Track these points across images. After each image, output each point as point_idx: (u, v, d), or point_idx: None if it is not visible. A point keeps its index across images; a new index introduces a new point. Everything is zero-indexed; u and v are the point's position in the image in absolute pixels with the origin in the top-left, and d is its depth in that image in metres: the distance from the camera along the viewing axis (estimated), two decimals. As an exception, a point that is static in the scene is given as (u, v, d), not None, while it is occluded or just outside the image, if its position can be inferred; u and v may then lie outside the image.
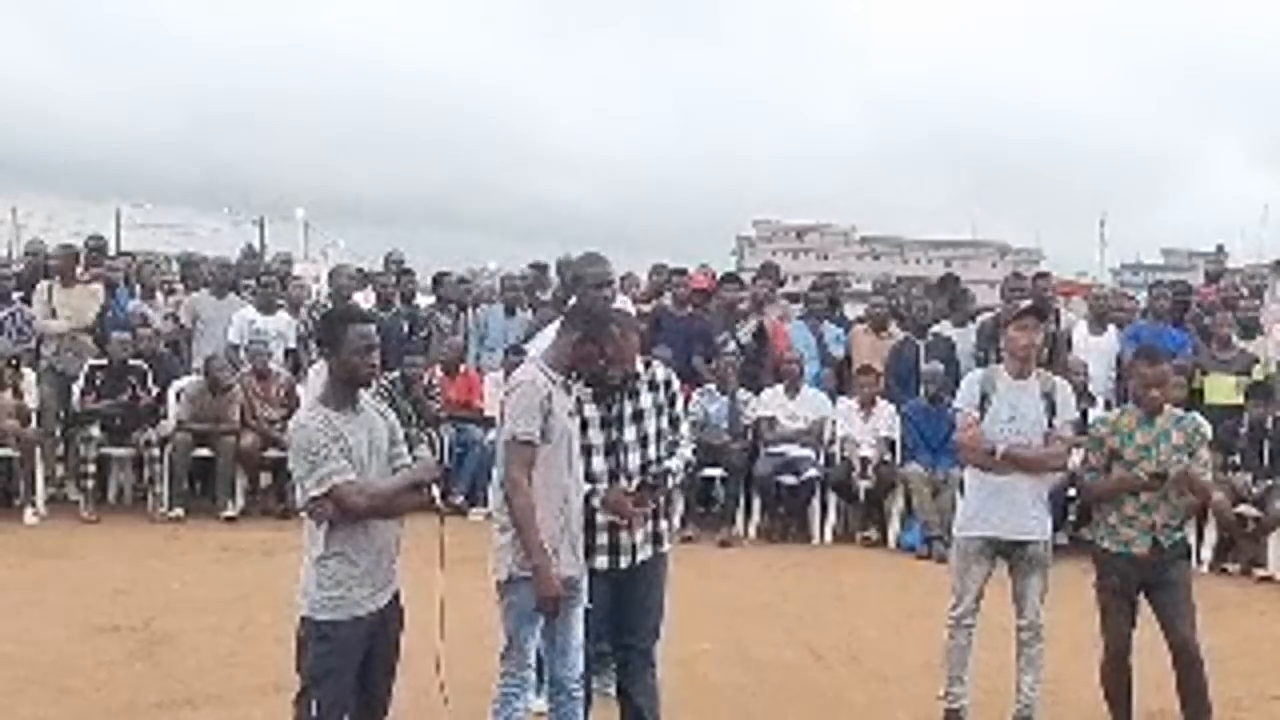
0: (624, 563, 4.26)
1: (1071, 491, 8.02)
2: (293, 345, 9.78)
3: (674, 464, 4.33)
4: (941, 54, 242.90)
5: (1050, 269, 18.17)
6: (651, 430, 4.30)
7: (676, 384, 4.49)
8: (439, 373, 9.69)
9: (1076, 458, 5.36)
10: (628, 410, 4.26)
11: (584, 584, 4.09)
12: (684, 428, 4.47)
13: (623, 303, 5.04)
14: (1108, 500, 4.91)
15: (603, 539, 4.22)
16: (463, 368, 9.97)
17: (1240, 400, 8.50)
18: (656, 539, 4.35)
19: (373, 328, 3.78)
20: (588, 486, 4.14)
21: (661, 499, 4.33)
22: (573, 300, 4.59)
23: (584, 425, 4.17)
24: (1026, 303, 5.69)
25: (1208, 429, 5.70)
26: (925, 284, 11.45)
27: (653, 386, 4.34)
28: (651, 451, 4.29)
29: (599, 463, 4.20)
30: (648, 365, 4.39)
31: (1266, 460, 8.21)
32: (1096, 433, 5.02)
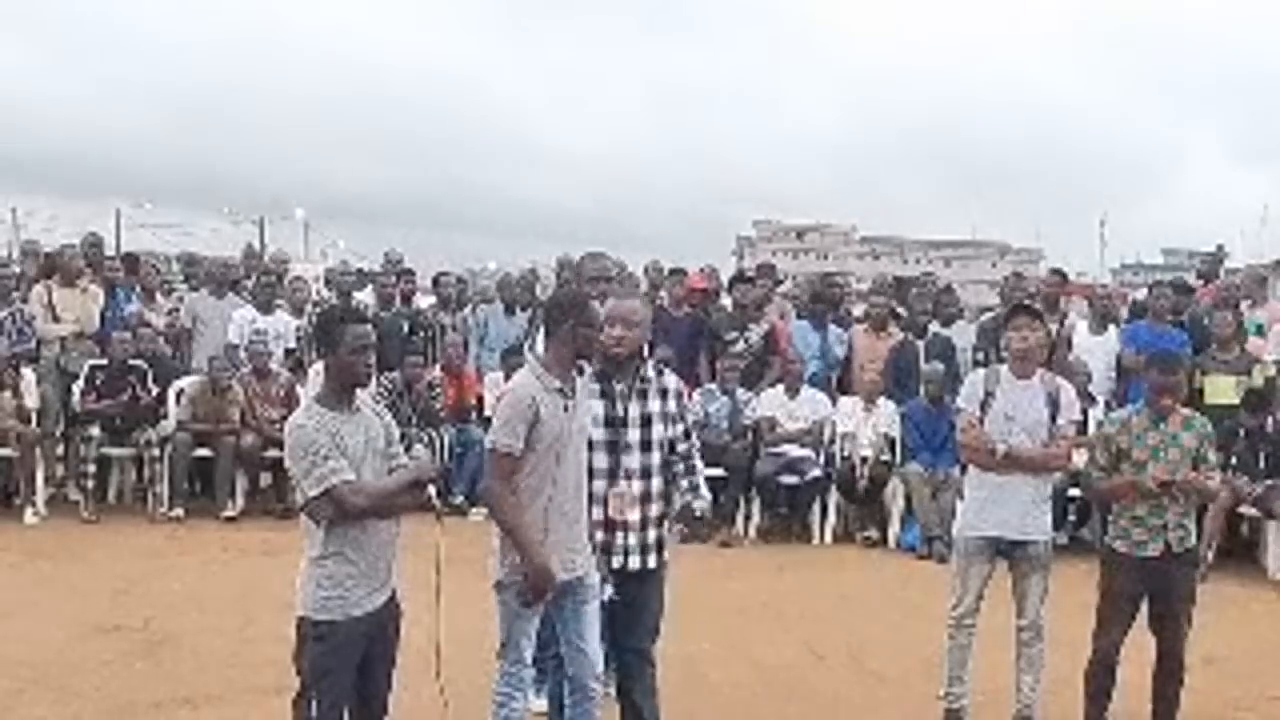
0: (622, 564, 4.26)
1: (1072, 491, 8.03)
2: (293, 345, 9.78)
3: (700, 505, 4.43)
4: (942, 53, 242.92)
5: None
6: (655, 436, 4.30)
7: (686, 393, 4.52)
8: (439, 373, 9.69)
9: (1079, 458, 5.34)
10: (634, 412, 4.26)
11: (595, 582, 4.09)
12: (695, 440, 4.51)
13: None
14: (1110, 499, 4.89)
15: (602, 539, 4.22)
16: (463, 368, 9.97)
17: (1239, 401, 8.49)
18: (659, 541, 4.35)
19: (370, 328, 3.77)
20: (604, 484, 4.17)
21: (659, 510, 4.34)
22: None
23: None
24: (1015, 304, 5.69)
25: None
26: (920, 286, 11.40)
27: (663, 394, 4.35)
28: (654, 456, 4.29)
29: (600, 458, 4.19)
30: (660, 373, 4.40)
31: (1263, 464, 8.19)
32: (1105, 431, 4.98)
